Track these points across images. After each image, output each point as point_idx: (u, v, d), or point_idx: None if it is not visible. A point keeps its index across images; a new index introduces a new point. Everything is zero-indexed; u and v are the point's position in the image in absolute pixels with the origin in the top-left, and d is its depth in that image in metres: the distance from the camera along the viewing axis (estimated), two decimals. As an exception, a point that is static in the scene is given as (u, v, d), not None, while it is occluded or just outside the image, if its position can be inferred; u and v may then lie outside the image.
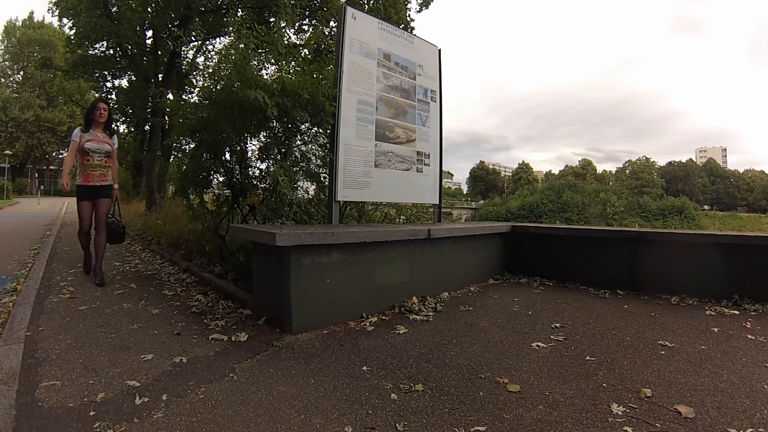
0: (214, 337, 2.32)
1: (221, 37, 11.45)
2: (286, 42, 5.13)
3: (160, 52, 10.09)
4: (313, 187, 4.12)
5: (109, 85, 12.25)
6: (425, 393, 1.72)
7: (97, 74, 11.31)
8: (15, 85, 37.15)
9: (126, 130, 13.86)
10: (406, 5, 10.30)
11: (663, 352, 2.16)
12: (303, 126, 3.70)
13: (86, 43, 10.02)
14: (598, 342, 2.32)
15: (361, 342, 2.30)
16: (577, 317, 2.79)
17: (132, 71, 10.80)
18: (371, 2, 9.76)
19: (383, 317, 2.74)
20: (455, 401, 1.65)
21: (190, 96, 10.13)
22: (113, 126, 3.91)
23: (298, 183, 3.76)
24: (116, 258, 5.17)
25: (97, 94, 14.29)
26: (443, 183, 4.72)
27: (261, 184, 3.80)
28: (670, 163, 76.35)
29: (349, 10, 3.65)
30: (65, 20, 10.55)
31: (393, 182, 3.94)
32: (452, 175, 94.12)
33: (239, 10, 9.44)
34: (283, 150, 3.65)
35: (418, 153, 4.18)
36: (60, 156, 41.47)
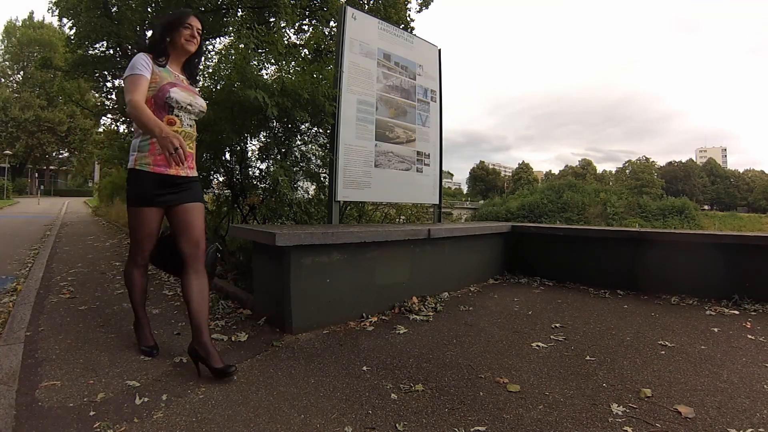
0: (214, 337, 2.32)
1: (221, 37, 11.44)
2: (286, 42, 5.13)
3: (160, 52, 10.07)
4: (313, 187, 4.13)
5: (109, 85, 12.25)
6: (425, 393, 1.72)
7: (97, 74, 11.31)
8: (15, 85, 37.16)
9: (126, 130, 13.85)
10: (406, 5, 10.29)
11: (663, 352, 2.16)
12: (303, 126, 3.70)
13: (86, 43, 10.01)
14: (598, 342, 2.32)
15: (361, 342, 2.30)
16: (577, 317, 2.79)
17: (132, 71, 10.78)
18: (371, 2, 9.75)
19: (383, 317, 2.74)
20: (455, 401, 1.65)
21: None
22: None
23: (298, 183, 3.76)
24: (116, 258, 5.17)
25: (97, 94, 14.28)
26: (443, 183, 4.72)
27: (261, 184, 3.80)
28: (670, 163, 76.38)
29: (349, 10, 3.65)
30: (65, 20, 10.54)
31: (393, 182, 3.94)
32: (452, 175, 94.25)
33: (239, 10, 9.44)
34: (283, 150, 3.66)
35: (418, 153, 4.18)
36: (60, 156, 41.51)
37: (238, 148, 3.74)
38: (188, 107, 1.98)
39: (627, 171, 76.59)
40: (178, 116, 1.95)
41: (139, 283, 2.15)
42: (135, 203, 1.95)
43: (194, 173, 2.09)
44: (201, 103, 2.05)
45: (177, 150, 1.67)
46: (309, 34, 9.75)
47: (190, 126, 2.02)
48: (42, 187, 37.52)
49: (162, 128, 1.72)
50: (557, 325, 2.61)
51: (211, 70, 4.27)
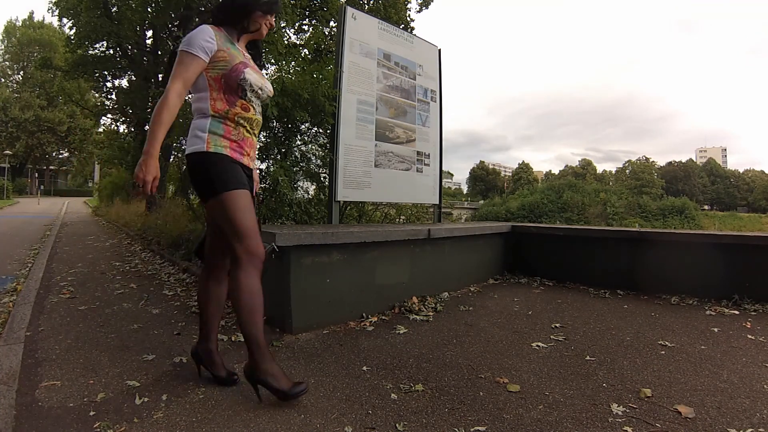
0: (214, 337, 2.32)
1: (221, 37, 11.42)
2: (286, 42, 5.13)
3: (160, 52, 10.09)
4: (313, 187, 4.13)
5: (109, 85, 12.26)
6: (425, 393, 1.72)
7: (97, 74, 11.31)
8: (15, 85, 37.18)
9: (126, 130, 13.85)
10: (406, 5, 10.29)
11: (663, 352, 2.16)
12: (303, 126, 3.70)
13: (86, 43, 10.03)
14: (598, 342, 2.32)
15: (361, 342, 2.30)
16: (577, 317, 2.79)
17: (132, 71, 10.80)
18: (371, 2, 9.75)
19: (383, 317, 2.74)
20: (455, 401, 1.65)
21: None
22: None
23: (298, 183, 3.76)
24: (116, 258, 5.18)
25: (97, 94, 14.28)
26: (443, 183, 4.72)
27: (261, 184, 3.80)
28: (670, 163, 76.43)
29: (349, 10, 3.65)
30: (65, 20, 10.56)
31: (393, 182, 3.94)
32: (452, 175, 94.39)
33: (239, 10, 9.42)
34: (283, 150, 3.66)
35: (418, 153, 4.18)
36: (60, 156, 41.52)
37: (238, 148, 3.74)
38: (259, 91, 1.72)
39: (627, 171, 76.64)
40: (252, 102, 1.70)
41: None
42: (230, 185, 1.58)
43: (255, 166, 1.85)
44: (269, 88, 1.79)
45: (141, 187, 1.48)
46: (309, 34, 9.74)
47: (260, 113, 1.78)
48: (42, 187, 37.55)
49: (153, 152, 1.50)
50: (557, 325, 2.61)
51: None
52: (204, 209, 2.04)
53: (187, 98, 1.82)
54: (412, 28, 10.19)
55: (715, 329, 2.51)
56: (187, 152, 1.67)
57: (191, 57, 1.58)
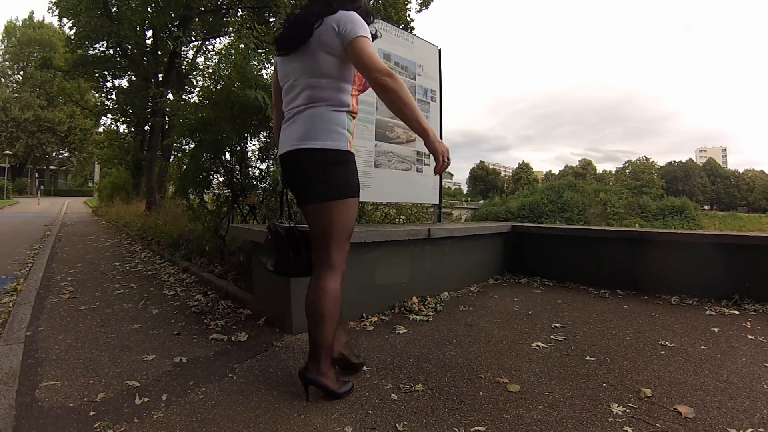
0: (214, 337, 2.32)
1: (221, 37, 11.46)
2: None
3: (160, 52, 10.11)
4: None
5: (109, 85, 12.28)
6: (425, 393, 1.72)
7: (97, 74, 11.34)
8: (15, 85, 37.21)
9: (126, 130, 13.85)
10: (406, 5, 10.29)
11: (663, 352, 2.16)
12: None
13: (86, 43, 10.05)
14: (598, 342, 2.32)
15: (361, 342, 2.30)
16: (577, 317, 2.79)
17: (132, 71, 10.82)
18: (371, 2, 9.75)
19: (383, 317, 2.74)
20: (455, 401, 1.65)
21: (190, 96, 10.13)
22: None
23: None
24: (116, 258, 5.18)
25: (97, 94, 14.30)
26: (443, 183, 4.72)
27: (261, 184, 3.80)
28: (670, 163, 76.54)
29: (349, 10, 3.64)
30: (65, 20, 10.57)
31: (393, 182, 3.94)
32: (452, 175, 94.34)
33: (239, 10, 9.45)
34: (283, 150, 3.65)
35: (418, 153, 4.18)
36: (60, 156, 41.52)
37: (238, 148, 3.74)
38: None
39: (627, 171, 76.69)
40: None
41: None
42: (355, 191, 1.56)
43: None
44: None
45: (448, 161, 1.48)
46: (309, 34, 9.73)
47: None
48: (42, 187, 37.59)
49: (433, 130, 1.46)
50: (557, 325, 2.61)
51: (211, 70, 4.28)
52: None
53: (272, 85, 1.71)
54: (412, 28, 10.19)
55: (715, 329, 2.51)
56: (323, 146, 1.48)
57: (363, 36, 1.44)
